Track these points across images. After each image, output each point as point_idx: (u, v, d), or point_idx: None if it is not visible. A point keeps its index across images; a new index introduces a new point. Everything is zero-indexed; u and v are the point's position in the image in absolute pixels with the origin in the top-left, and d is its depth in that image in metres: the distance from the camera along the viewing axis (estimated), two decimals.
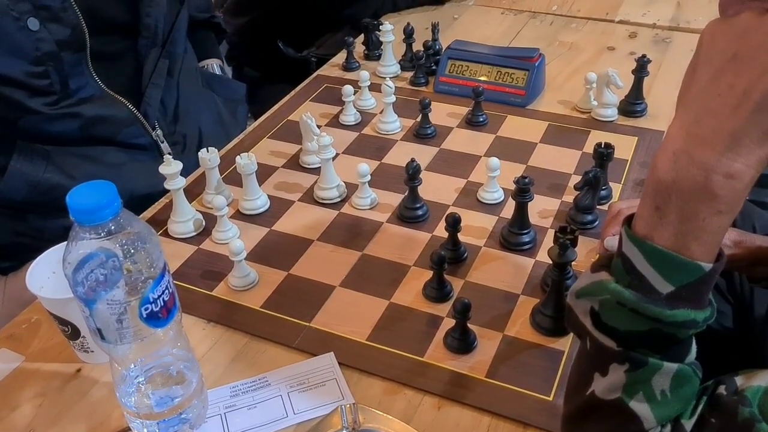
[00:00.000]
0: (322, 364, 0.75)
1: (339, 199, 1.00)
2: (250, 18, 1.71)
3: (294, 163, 1.10)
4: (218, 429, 0.69)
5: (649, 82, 1.19)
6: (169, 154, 1.16)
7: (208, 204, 0.99)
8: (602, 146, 0.94)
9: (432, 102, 1.13)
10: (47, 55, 0.99)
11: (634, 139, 1.11)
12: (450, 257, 0.85)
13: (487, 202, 0.98)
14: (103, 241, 0.55)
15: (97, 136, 1.08)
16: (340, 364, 0.75)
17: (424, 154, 1.09)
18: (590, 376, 0.51)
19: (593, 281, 0.51)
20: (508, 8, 1.61)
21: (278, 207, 1.00)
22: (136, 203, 1.00)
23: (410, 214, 0.96)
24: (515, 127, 1.16)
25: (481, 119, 1.17)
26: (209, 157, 0.97)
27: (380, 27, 1.31)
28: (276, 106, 1.27)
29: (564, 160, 1.07)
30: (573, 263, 0.77)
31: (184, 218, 0.95)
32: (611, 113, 1.16)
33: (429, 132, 1.14)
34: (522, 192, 0.86)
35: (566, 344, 0.76)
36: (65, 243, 0.56)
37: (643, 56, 1.15)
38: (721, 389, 0.49)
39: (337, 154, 1.06)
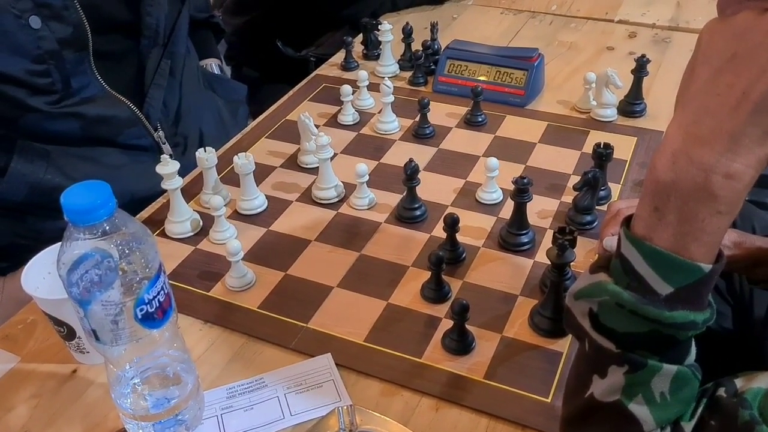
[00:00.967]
0: (320, 365, 0.75)
1: (337, 199, 1.00)
2: (248, 18, 1.71)
3: (292, 162, 1.09)
4: (214, 430, 0.69)
5: (648, 82, 1.19)
6: (170, 155, 1.15)
7: (206, 204, 0.99)
8: (601, 146, 0.94)
9: (431, 102, 1.13)
10: (49, 54, 0.98)
11: (633, 140, 1.10)
12: (448, 258, 0.85)
13: (485, 202, 0.98)
14: (98, 242, 0.55)
15: (98, 137, 1.08)
16: (337, 365, 0.75)
17: (422, 154, 1.09)
18: (589, 378, 0.51)
19: (592, 282, 0.50)
20: (507, 8, 1.60)
21: (276, 207, 1.00)
22: (137, 205, 1.00)
23: (408, 214, 0.95)
24: (514, 127, 1.16)
25: (480, 119, 1.16)
26: (207, 156, 0.97)
27: (379, 27, 1.30)
28: (274, 106, 1.26)
29: (563, 161, 1.06)
30: (572, 264, 0.77)
31: (182, 218, 0.95)
32: (610, 113, 1.16)
33: (428, 132, 1.14)
34: (521, 192, 0.86)
35: (565, 346, 0.76)
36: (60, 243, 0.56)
37: (643, 56, 1.14)
38: (721, 391, 0.49)
39: (335, 154, 1.06)
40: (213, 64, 1.52)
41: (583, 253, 0.87)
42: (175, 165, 0.92)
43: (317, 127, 1.09)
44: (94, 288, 0.56)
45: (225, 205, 0.93)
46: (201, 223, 0.96)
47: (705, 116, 0.45)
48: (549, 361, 0.74)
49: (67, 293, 0.57)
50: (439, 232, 0.91)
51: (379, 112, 1.17)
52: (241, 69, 1.78)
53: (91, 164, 1.07)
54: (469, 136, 1.14)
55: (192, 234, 0.95)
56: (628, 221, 0.49)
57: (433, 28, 1.36)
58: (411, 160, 0.92)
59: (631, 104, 1.17)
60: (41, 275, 0.75)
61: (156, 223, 0.97)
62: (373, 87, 1.23)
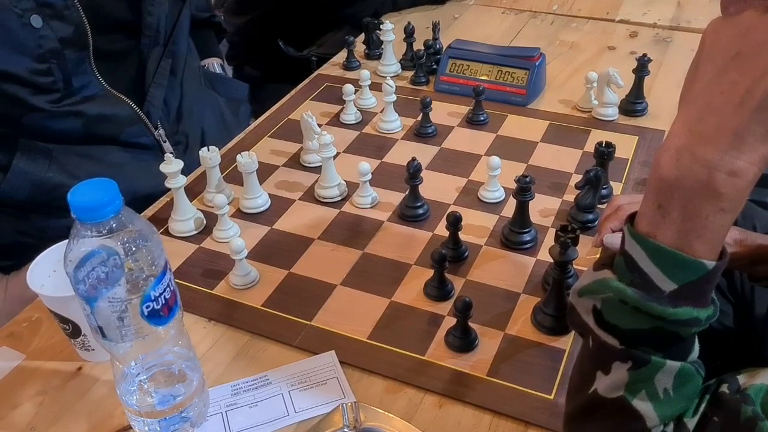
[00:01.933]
0: (323, 362, 0.75)
1: (340, 198, 1.00)
2: (250, 17, 1.71)
3: (295, 161, 1.10)
4: (219, 427, 0.69)
5: (649, 82, 1.19)
6: (171, 153, 1.16)
7: (209, 203, 0.99)
8: (603, 145, 0.94)
9: (433, 101, 1.13)
10: (50, 53, 0.99)
11: (634, 138, 1.11)
12: (451, 256, 0.85)
13: (487, 201, 0.98)
14: (105, 239, 0.55)
15: (99, 135, 1.08)
16: (341, 362, 0.75)
17: (424, 153, 1.09)
18: (593, 375, 0.51)
19: (595, 279, 0.51)
20: (508, 8, 1.61)
21: (279, 206, 1.00)
22: (139, 203, 1.00)
23: (411, 212, 0.95)
24: (516, 126, 1.16)
25: (482, 118, 1.17)
26: (210, 155, 0.97)
27: (381, 26, 1.30)
28: (276, 105, 1.27)
29: (565, 159, 1.07)
30: (574, 262, 0.77)
31: (185, 217, 0.95)
32: (612, 112, 1.16)
33: (430, 131, 1.14)
34: (523, 191, 0.86)
35: (567, 343, 0.76)
36: (66, 241, 0.56)
37: (644, 55, 1.15)
38: (724, 388, 0.49)
39: (337, 153, 1.06)
40: (215, 64, 1.52)
41: (585, 251, 0.88)
42: (179, 164, 0.92)
43: (320, 126, 1.10)
44: (100, 285, 0.56)
45: (228, 204, 0.93)
46: (204, 222, 0.96)
47: (709, 114, 0.45)
48: (552, 358, 0.75)
49: (73, 290, 0.57)
50: (442, 230, 0.91)
51: (381, 112, 1.18)
52: (243, 69, 1.78)
53: (93, 162, 1.07)
54: (471, 135, 1.14)
55: (196, 232, 0.95)
56: (632, 218, 0.50)
57: (435, 27, 1.36)
58: (414, 159, 0.92)
59: (633, 103, 1.17)
60: (47, 273, 0.75)
61: (160, 222, 0.97)
62: (375, 86, 1.23)
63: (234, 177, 1.03)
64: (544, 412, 0.69)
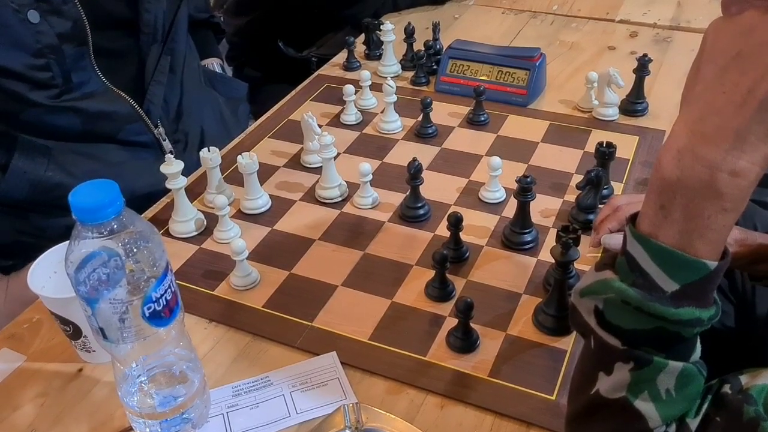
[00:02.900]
0: (325, 363, 0.75)
1: (340, 199, 1.00)
2: (250, 18, 1.71)
3: (295, 162, 1.10)
4: (220, 429, 0.69)
5: (650, 82, 1.19)
6: (171, 152, 1.16)
7: (210, 203, 0.99)
8: (604, 145, 0.94)
9: (433, 101, 1.13)
10: (48, 48, 0.99)
11: (635, 139, 1.11)
12: (452, 256, 0.85)
13: (488, 201, 0.98)
14: (106, 240, 0.55)
15: (98, 132, 1.08)
16: (342, 363, 0.75)
17: (425, 154, 1.09)
18: (595, 375, 0.51)
19: (597, 280, 0.51)
20: (508, 8, 1.61)
21: (280, 206, 1.00)
22: (138, 202, 1.00)
23: (412, 213, 0.95)
24: (516, 126, 1.16)
25: (483, 119, 1.17)
26: (210, 156, 0.97)
27: (381, 27, 1.30)
28: (277, 106, 1.26)
29: (565, 160, 1.07)
30: (575, 262, 0.77)
31: (186, 218, 0.95)
32: (612, 112, 1.16)
33: (430, 131, 1.14)
34: (524, 191, 0.86)
35: (569, 343, 0.76)
36: (67, 242, 0.56)
37: (644, 55, 1.14)
38: (726, 388, 0.49)
39: (338, 154, 1.06)
40: (214, 64, 1.52)
41: (587, 251, 0.88)
42: (180, 165, 0.92)
43: (320, 126, 1.10)
44: (101, 286, 0.56)
45: (229, 205, 0.93)
46: (205, 223, 0.96)
47: (711, 114, 0.45)
48: (553, 358, 0.75)
49: (74, 292, 0.57)
50: (443, 230, 0.91)
51: (381, 112, 1.18)
52: (243, 69, 1.78)
53: (92, 161, 1.07)
54: (471, 136, 1.14)
55: (196, 233, 0.95)
56: (633, 219, 0.50)
57: (435, 28, 1.36)
58: (414, 159, 0.92)
59: (633, 103, 1.17)
60: (47, 274, 0.75)
61: (160, 223, 0.97)
62: (376, 87, 1.23)
63: (234, 178, 1.03)
64: (545, 412, 0.69)
